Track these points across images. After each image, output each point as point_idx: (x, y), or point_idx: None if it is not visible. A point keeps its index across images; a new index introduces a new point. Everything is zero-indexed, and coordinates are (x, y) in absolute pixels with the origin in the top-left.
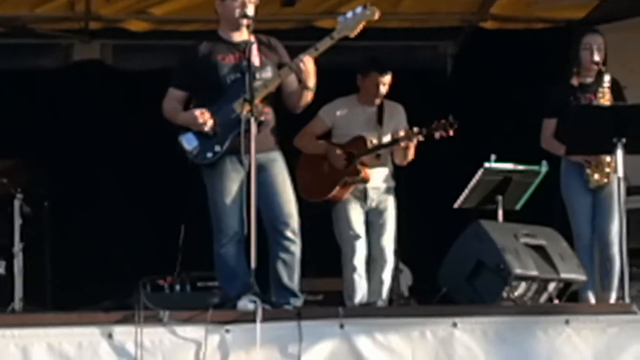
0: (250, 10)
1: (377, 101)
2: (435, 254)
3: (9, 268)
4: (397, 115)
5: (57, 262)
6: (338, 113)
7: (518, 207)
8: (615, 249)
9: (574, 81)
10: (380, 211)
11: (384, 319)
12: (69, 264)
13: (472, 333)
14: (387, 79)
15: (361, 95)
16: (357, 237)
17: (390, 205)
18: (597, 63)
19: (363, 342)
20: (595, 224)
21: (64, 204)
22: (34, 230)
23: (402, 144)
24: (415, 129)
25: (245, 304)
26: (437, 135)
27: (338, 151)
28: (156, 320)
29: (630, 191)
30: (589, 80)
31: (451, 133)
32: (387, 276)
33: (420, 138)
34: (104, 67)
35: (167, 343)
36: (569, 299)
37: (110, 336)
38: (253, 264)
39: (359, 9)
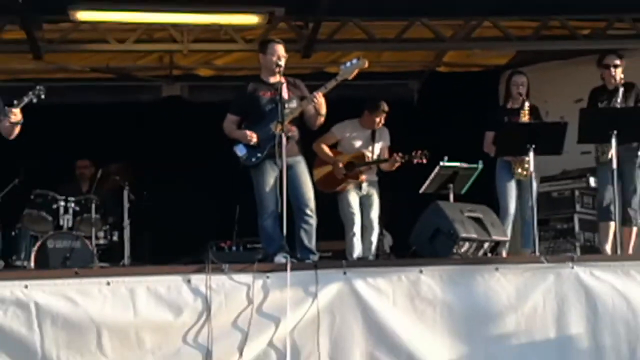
0: (282, 62)
1: (375, 127)
2: (407, 224)
3: (120, 237)
4: (385, 136)
5: (153, 232)
6: (346, 132)
7: (463, 192)
8: (530, 219)
9: (507, 106)
10: (369, 196)
11: (373, 268)
12: (161, 233)
13: (432, 277)
14: (384, 116)
15: (364, 121)
16: (355, 213)
17: (375, 192)
18: (520, 94)
19: (359, 284)
20: (520, 202)
21: (156, 193)
22: (136, 211)
23: (389, 165)
24: (400, 156)
25: (280, 259)
26: (415, 161)
27: (340, 165)
28: (219, 271)
29: (541, 180)
30: (516, 106)
31: (424, 161)
32: (374, 239)
33: (402, 161)
34: (183, 100)
35: (228, 286)
36: (497, 253)
37: (189, 281)
38: (284, 232)
39: (354, 60)
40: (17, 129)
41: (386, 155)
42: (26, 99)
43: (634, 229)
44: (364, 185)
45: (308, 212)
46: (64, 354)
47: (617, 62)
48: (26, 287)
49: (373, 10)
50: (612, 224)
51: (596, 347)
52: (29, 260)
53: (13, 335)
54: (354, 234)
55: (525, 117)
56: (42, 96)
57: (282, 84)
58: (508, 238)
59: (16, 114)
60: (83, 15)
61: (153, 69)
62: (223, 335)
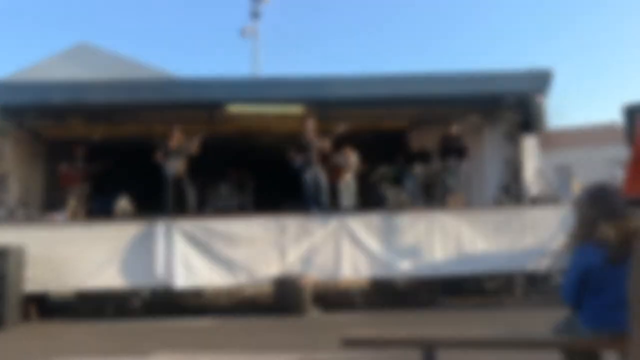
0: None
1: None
2: (368, 195)
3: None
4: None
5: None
6: None
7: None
8: None
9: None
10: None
11: (352, 214)
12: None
13: (380, 219)
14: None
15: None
16: None
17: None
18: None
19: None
20: None
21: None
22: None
23: None
24: None
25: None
26: None
27: None
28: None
29: None
30: (413, 144)
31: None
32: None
33: None
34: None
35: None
36: None
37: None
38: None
39: (342, 126)
40: None
41: None
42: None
43: None
44: None
45: (323, 191)
46: (222, 249)
47: (455, 126)
48: (208, 222)
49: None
50: None
51: None
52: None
53: (200, 241)
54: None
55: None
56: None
57: (311, 135)
58: (409, 201)
59: None
60: (231, 109)
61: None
62: (290, 243)
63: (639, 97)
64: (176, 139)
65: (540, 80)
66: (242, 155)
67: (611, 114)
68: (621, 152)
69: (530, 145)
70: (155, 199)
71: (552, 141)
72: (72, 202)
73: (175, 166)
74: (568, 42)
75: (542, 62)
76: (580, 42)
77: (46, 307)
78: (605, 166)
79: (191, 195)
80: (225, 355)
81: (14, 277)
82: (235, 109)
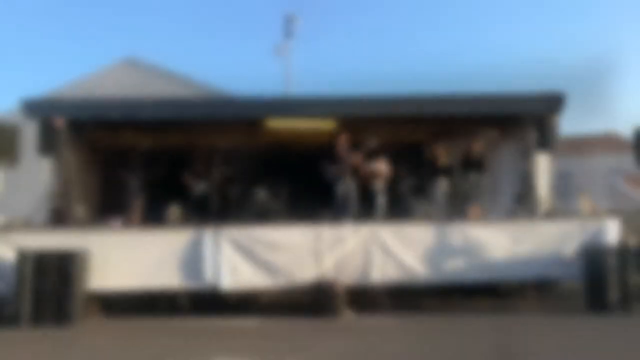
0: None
1: None
2: (395, 205)
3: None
4: None
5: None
6: None
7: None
8: None
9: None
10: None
11: (381, 223)
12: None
13: (407, 228)
14: None
15: None
16: None
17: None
18: (439, 156)
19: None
20: None
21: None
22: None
23: None
24: None
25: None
26: None
27: None
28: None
29: None
30: (437, 158)
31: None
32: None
33: None
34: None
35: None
36: None
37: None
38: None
39: (371, 140)
40: None
41: None
42: None
43: None
44: None
45: (353, 201)
46: (263, 254)
47: (476, 142)
48: (250, 229)
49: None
50: None
51: None
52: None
53: (244, 247)
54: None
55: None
56: None
57: (343, 149)
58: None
59: None
60: (268, 123)
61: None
62: (325, 249)
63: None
64: (201, 159)
65: (555, 102)
66: (278, 165)
67: (612, 124)
68: (621, 161)
69: (544, 162)
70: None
71: (554, 150)
72: (137, 208)
73: (200, 188)
74: (569, 53)
75: (543, 71)
76: (580, 53)
77: (106, 305)
78: (605, 175)
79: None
80: None
81: (79, 278)
82: (273, 123)
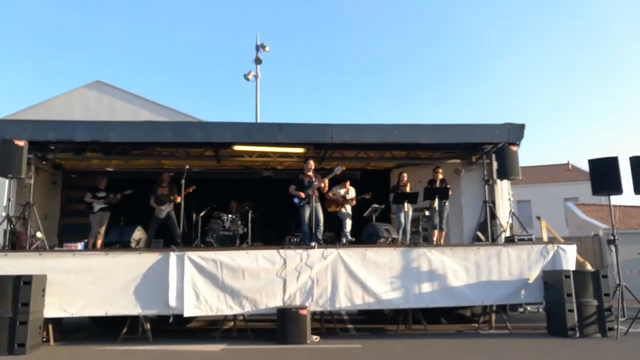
0: (311, 166)
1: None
2: (360, 229)
3: (246, 231)
4: (352, 192)
5: (261, 229)
6: (336, 189)
7: (375, 216)
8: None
9: (400, 187)
10: (348, 213)
11: (347, 248)
12: (265, 230)
13: (372, 253)
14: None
15: (341, 185)
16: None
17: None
18: (404, 182)
19: (342, 253)
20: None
21: (261, 214)
22: (252, 220)
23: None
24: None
25: (311, 243)
26: (365, 196)
27: (339, 199)
28: (290, 247)
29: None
30: (401, 184)
31: (368, 196)
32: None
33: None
34: (272, 178)
35: (293, 254)
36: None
37: (278, 252)
38: (312, 233)
39: (337, 167)
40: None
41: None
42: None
43: None
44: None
45: (320, 225)
46: (228, 280)
47: (439, 170)
48: (216, 254)
49: (345, 147)
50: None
51: None
52: (214, 241)
53: (209, 272)
54: (345, 235)
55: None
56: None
57: (310, 174)
58: (398, 237)
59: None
60: (237, 147)
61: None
62: (291, 275)
63: (593, 140)
64: (165, 183)
65: (515, 132)
66: (245, 189)
67: (566, 155)
68: (575, 189)
69: (504, 189)
70: (164, 230)
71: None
72: (99, 231)
73: (165, 212)
74: (528, 90)
75: (503, 106)
76: (537, 90)
77: (64, 331)
78: (561, 202)
79: (177, 231)
80: None
81: (35, 304)
82: (240, 147)
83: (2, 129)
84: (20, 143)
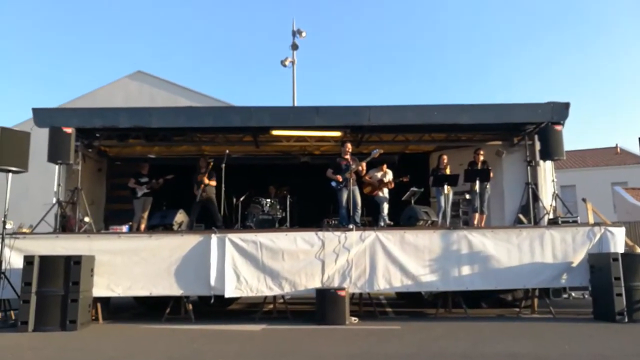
0: (348, 149)
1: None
2: (399, 212)
3: (284, 215)
4: (389, 175)
5: (299, 213)
6: (373, 172)
7: (414, 200)
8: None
9: (440, 170)
10: (386, 197)
11: (386, 230)
12: (303, 214)
13: (411, 235)
14: (384, 167)
15: (379, 169)
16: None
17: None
18: (444, 164)
19: (381, 236)
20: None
21: (300, 198)
22: (291, 205)
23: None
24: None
25: (349, 226)
26: (404, 179)
27: (375, 183)
28: (328, 229)
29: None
30: (441, 167)
31: (406, 180)
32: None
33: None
34: (309, 163)
35: (331, 236)
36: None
37: (317, 234)
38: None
39: (375, 150)
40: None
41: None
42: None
43: None
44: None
45: (358, 208)
46: (268, 261)
47: (480, 152)
48: (256, 235)
49: (383, 129)
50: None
51: None
52: (254, 225)
53: (249, 254)
54: (384, 219)
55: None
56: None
57: (348, 158)
58: (437, 219)
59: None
60: (275, 132)
61: (297, 151)
62: (329, 257)
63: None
64: (203, 169)
65: (559, 111)
66: (284, 174)
67: (613, 138)
68: (624, 173)
69: (547, 170)
70: (206, 214)
71: (556, 162)
72: (143, 215)
73: (203, 195)
74: (571, 70)
75: (548, 89)
76: (582, 70)
77: (111, 311)
78: (608, 187)
79: (218, 215)
80: None
81: (85, 283)
82: (279, 132)
83: (52, 117)
84: (68, 130)
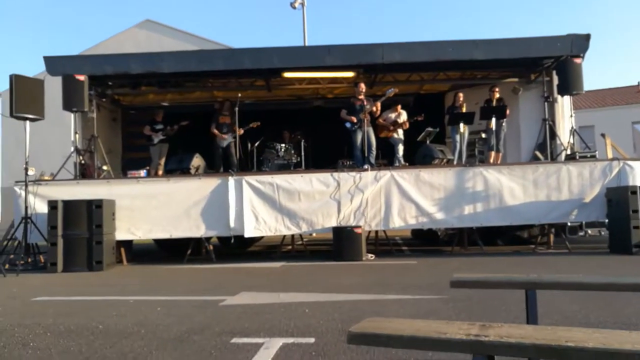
0: (362, 90)
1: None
2: (414, 152)
3: (299, 159)
4: (403, 115)
5: (313, 155)
6: (388, 114)
7: (429, 140)
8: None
9: (456, 108)
10: (401, 139)
11: (400, 169)
12: (317, 156)
13: (426, 173)
14: (398, 107)
15: (393, 109)
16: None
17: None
18: (460, 102)
19: (395, 174)
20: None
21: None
22: (305, 148)
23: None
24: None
25: (364, 167)
26: (418, 119)
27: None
28: (343, 170)
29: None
30: (457, 105)
31: (421, 118)
32: (401, 159)
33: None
34: (322, 107)
35: (346, 176)
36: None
37: (332, 174)
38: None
39: (390, 89)
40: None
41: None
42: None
43: None
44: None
45: (373, 149)
46: (285, 202)
47: (496, 89)
48: (272, 177)
49: (396, 68)
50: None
51: None
52: (270, 167)
53: (266, 195)
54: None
55: (462, 111)
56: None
57: (362, 98)
58: (454, 158)
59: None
60: (286, 74)
61: (309, 94)
62: (344, 197)
63: None
64: (227, 112)
65: (579, 43)
66: (296, 118)
67: (635, 76)
68: None
69: (565, 106)
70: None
71: (575, 102)
72: (159, 162)
73: (225, 140)
74: (590, 8)
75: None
76: (602, 9)
77: (133, 253)
78: (629, 126)
79: (234, 160)
80: (302, 294)
81: (107, 226)
82: (290, 74)
83: (64, 66)
84: (81, 77)
